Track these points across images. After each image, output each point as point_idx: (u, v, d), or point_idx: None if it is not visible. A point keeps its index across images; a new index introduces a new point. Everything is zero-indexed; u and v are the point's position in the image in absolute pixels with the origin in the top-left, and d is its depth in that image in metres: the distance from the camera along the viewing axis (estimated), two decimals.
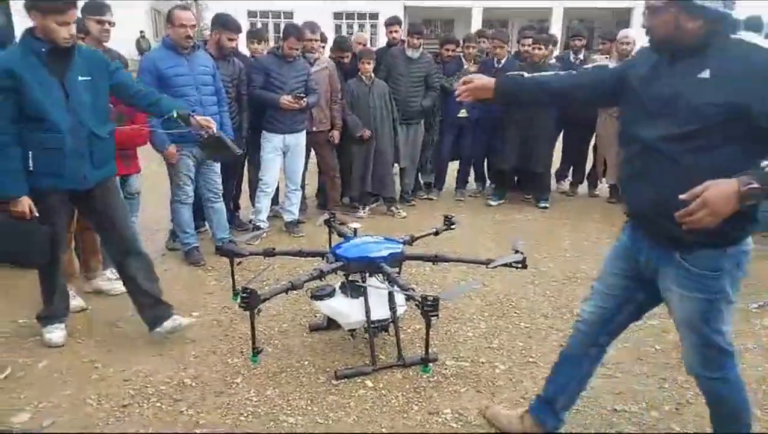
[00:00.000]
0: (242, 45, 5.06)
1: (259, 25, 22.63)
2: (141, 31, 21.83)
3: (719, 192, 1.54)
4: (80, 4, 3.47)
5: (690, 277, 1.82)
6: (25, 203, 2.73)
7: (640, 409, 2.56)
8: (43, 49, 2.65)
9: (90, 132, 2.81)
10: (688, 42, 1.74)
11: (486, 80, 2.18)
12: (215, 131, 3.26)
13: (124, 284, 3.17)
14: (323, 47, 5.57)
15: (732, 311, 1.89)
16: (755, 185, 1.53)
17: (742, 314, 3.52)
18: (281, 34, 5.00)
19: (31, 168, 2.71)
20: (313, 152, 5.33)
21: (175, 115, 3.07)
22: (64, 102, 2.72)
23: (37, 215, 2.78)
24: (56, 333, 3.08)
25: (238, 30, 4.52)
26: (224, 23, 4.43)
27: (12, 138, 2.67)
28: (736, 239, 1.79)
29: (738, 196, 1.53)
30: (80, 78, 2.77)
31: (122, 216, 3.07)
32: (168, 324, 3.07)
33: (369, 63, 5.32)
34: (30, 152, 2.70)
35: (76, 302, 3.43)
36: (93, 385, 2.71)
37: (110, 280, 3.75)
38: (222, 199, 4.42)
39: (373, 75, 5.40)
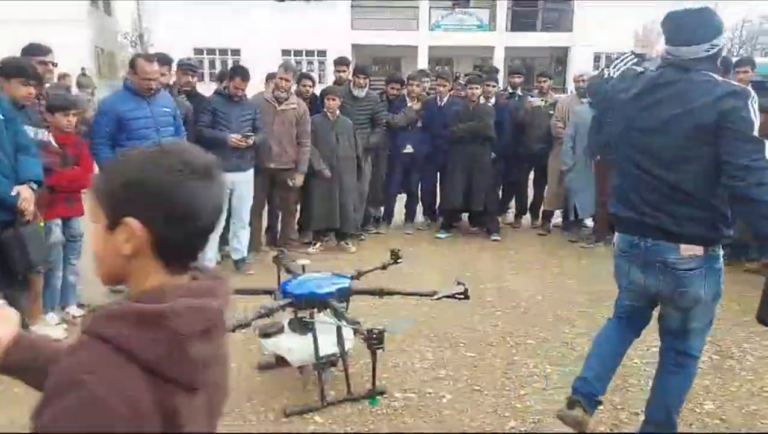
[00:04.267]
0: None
1: (206, 63, 22.66)
2: (83, 68, 21.44)
3: None
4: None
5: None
6: None
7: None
8: None
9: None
10: None
11: None
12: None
13: None
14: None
15: None
16: None
17: None
18: (228, 73, 5.08)
19: None
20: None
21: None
22: None
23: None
24: None
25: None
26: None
27: None
28: None
29: None
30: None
31: None
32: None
33: (334, 99, 5.44)
34: None
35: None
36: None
37: (49, 325, 3.64)
38: None
39: (338, 111, 5.51)
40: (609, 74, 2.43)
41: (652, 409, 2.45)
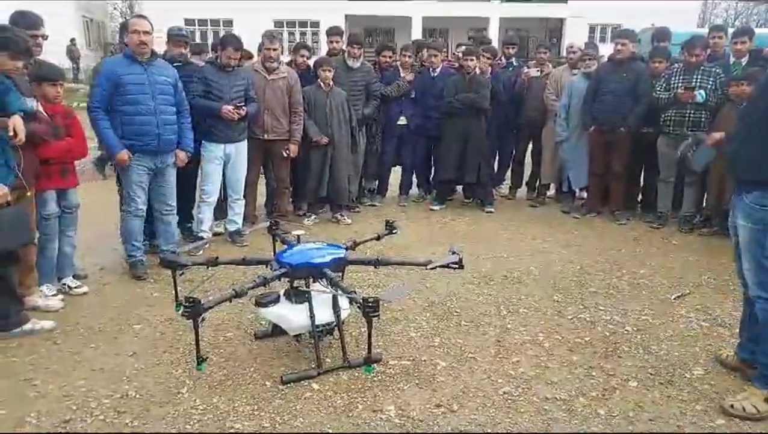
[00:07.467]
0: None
1: (197, 34, 22.31)
2: (72, 39, 21.10)
3: None
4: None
5: (745, 208, 2.51)
6: None
7: (569, 396, 2.73)
8: None
9: None
10: None
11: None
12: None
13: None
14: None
15: None
16: None
17: (664, 305, 3.80)
18: (220, 44, 5.00)
19: None
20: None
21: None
22: None
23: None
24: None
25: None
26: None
27: None
28: None
29: None
30: None
31: None
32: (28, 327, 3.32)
33: (328, 71, 5.40)
34: None
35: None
36: (31, 403, 2.65)
37: (46, 296, 3.66)
38: (174, 212, 4.39)
39: (332, 83, 5.47)
40: None
41: None
